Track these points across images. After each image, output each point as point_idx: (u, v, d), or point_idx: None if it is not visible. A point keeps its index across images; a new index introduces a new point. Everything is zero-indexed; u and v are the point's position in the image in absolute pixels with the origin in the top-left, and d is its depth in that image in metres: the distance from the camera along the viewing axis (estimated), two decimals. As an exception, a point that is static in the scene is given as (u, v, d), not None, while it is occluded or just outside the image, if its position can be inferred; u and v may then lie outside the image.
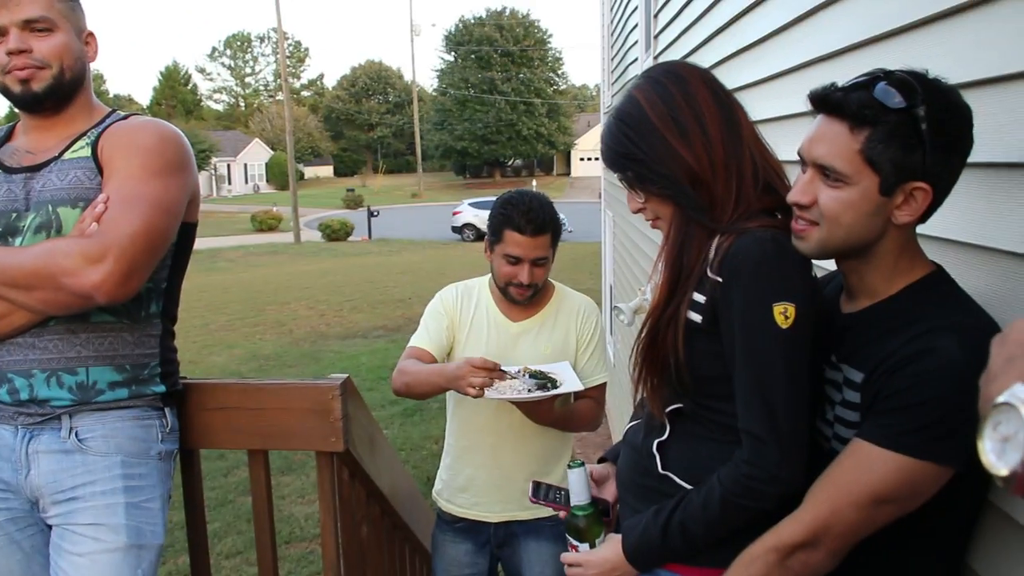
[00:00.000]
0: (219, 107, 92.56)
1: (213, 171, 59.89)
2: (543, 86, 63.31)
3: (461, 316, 2.52)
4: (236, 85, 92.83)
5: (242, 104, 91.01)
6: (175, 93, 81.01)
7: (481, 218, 30.29)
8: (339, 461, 1.93)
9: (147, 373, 1.84)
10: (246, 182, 67.10)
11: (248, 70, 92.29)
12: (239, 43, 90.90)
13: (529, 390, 2.14)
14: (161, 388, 1.86)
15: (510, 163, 67.93)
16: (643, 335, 1.47)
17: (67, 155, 1.79)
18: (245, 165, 67.00)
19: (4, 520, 1.80)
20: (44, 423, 1.76)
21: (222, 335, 11.45)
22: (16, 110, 1.86)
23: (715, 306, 1.35)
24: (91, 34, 1.89)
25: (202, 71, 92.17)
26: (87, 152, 1.78)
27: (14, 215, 1.76)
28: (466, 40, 63.51)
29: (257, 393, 1.92)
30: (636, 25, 6.19)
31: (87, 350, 1.76)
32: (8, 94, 1.79)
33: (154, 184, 1.72)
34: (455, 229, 30.72)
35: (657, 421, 1.50)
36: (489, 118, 60.99)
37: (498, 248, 2.38)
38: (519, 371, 2.22)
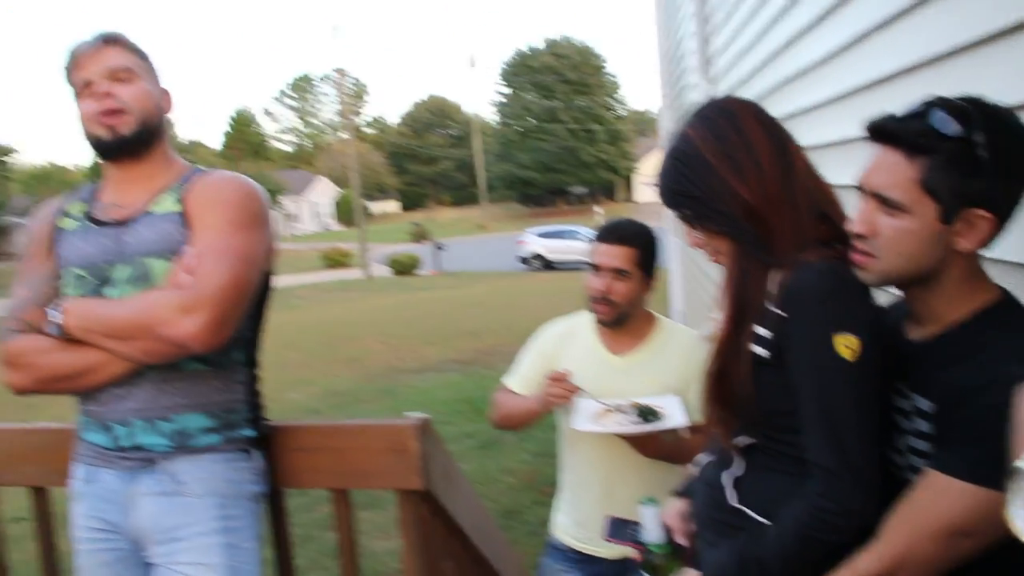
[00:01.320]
0: (286, 148, 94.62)
1: (282, 210, 61.08)
2: (602, 112, 63.38)
3: (560, 353, 2.54)
4: (302, 125, 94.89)
5: (308, 144, 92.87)
6: (244, 136, 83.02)
7: (547, 247, 30.32)
8: (419, 499, 1.97)
9: (236, 418, 1.92)
10: (314, 220, 68.30)
11: (313, 110, 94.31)
12: (304, 85, 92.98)
13: (634, 423, 2.16)
14: (250, 432, 1.94)
15: (573, 191, 67.98)
16: (710, 369, 1.48)
17: (155, 209, 1.89)
18: (313, 203, 68.23)
19: (112, 560, 1.90)
20: (144, 467, 1.85)
21: (299, 372, 11.62)
22: (101, 162, 1.96)
23: (780, 340, 1.36)
24: (166, 91, 2.00)
25: (269, 114, 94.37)
26: (175, 207, 1.87)
27: (107, 267, 1.85)
28: (524, 70, 63.95)
29: (338, 434, 1.98)
30: (691, 50, 6.21)
31: (180, 398, 1.84)
32: (98, 141, 1.89)
33: (239, 237, 1.81)
34: (522, 260, 30.78)
35: (729, 454, 1.52)
36: (551, 147, 61.23)
37: (590, 267, 2.44)
38: (625, 404, 2.24)
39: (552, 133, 61.34)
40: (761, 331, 1.39)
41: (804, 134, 2.53)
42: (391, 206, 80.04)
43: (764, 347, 1.39)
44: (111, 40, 1.89)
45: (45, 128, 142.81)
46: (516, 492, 6.04)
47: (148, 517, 1.85)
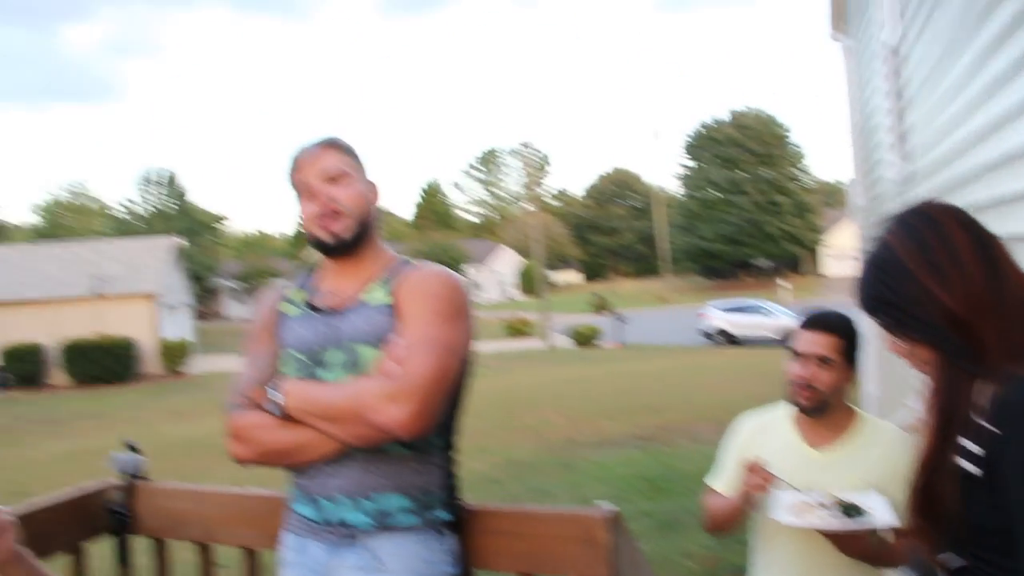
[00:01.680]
0: (473, 218, 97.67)
1: (467, 279, 62.78)
2: (788, 184, 62.00)
3: (756, 446, 2.51)
4: (488, 197, 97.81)
5: (494, 214, 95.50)
6: (433, 207, 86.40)
7: (731, 321, 29.70)
8: (606, 588, 1.98)
9: (433, 500, 1.99)
10: (498, 289, 69.79)
11: (499, 183, 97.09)
12: (491, 158, 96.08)
13: (837, 519, 2.10)
14: (446, 515, 2.01)
15: (758, 264, 66.44)
16: (914, 483, 1.44)
17: (367, 298, 2.02)
18: (497, 272, 69.81)
19: None
20: (347, 542, 1.96)
21: (480, 441, 11.82)
22: (320, 255, 2.12)
23: (992, 457, 1.30)
24: (374, 185, 2.15)
25: (457, 185, 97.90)
26: (385, 298, 2.01)
27: (322, 351, 2.00)
28: (708, 142, 63.63)
29: (529, 520, 2.02)
30: (884, 125, 6.03)
31: (382, 479, 1.94)
32: (318, 242, 2.06)
33: (444, 329, 1.91)
34: (704, 333, 30.28)
35: (934, 572, 1.46)
36: (735, 218, 60.35)
37: (791, 353, 2.42)
38: (826, 499, 2.18)
39: (736, 205, 60.52)
40: (970, 446, 1.34)
41: (1012, 223, 2.42)
42: (573, 276, 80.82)
43: (973, 463, 1.32)
44: (328, 145, 2.07)
45: (253, 198, 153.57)
46: (696, 577, 5.87)
47: None
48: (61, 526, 2.41)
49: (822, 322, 2.39)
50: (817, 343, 2.36)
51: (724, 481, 2.58)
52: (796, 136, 77.58)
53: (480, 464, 10.15)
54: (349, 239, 2.03)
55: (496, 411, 14.65)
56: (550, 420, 13.66)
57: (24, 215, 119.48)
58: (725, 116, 65.29)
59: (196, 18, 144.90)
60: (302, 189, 2.06)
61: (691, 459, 9.41)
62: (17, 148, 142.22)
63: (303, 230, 2.11)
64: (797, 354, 2.40)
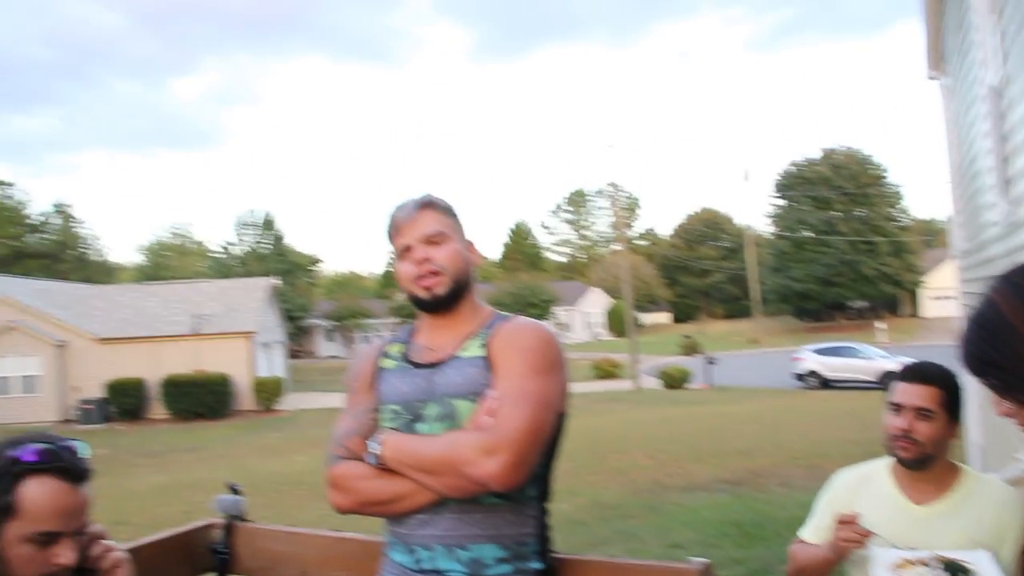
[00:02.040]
0: (560, 259, 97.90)
1: (555, 320, 62.81)
2: (884, 223, 60.40)
3: (854, 500, 2.45)
4: (576, 238, 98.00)
5: (582, 255, 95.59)
6: (521, 248, 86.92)
7: (825, 364, 29.00)
8: (698, 642, 1.96)
9: (527, 551, 2.01)
10: (586, 329, 69.64)
11: (586, 223, 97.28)
12: (578, 199, 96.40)
13: None
14: (538, 565, 2.02)
15: (853, 305, 64.78)
16: None
17: (462, 353, 2.07)
18: (585, 313, 69.70)
19: None
20: None
21: (567, 482, 11.74)
22: (419, 312, 2.19)
23: None
24: (471, 243, 2.22)
25: (545, 227, 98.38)
26: (480, 352, 2.05)
27: (419, 404, 2.05)
28: (799, 182, 62.59)
29: (621, 571, 2.02)
30: (988, 167, 5.87)
31: (477, 529, 1.97)
32: (416, 300, 2.14)
33: (538, 382, 1.94)
34: (797, 376, 29.64)
35: None
36: (829, 259, 59.03)
37: (889, 406, 2.38)
38: (929, 557, 2.13)
39: (830, 245, 59.21)
40: None
41: None
42: (662, 318, 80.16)
43: None
44: (425, 205, 2.14)
45: (344, 239, 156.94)
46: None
47: None
48: (166, 563, 2.51)
49: (922, 374, 2.34)
50: (917, 395, 2.31)
51: (816, 533, 2.51)
52: (893, 175, 75.24)
53: (567, 506, 10.08)
54: (445, 296, 2.10)
55: (583, 453, 14.55)
56: (638, 462, 13.51)
57: (129, 255, 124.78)
58: (816, 155, 64.18)
59: (294, 67, 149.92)
60: (401, 249, 2.13)
61: (783, 505, 9.20)
62: (125, 192, 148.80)
63: (401, 288, 2.18)
64: (896, 406, 2.34)
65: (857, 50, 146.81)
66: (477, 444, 1.85)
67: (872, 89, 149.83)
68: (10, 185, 67.01)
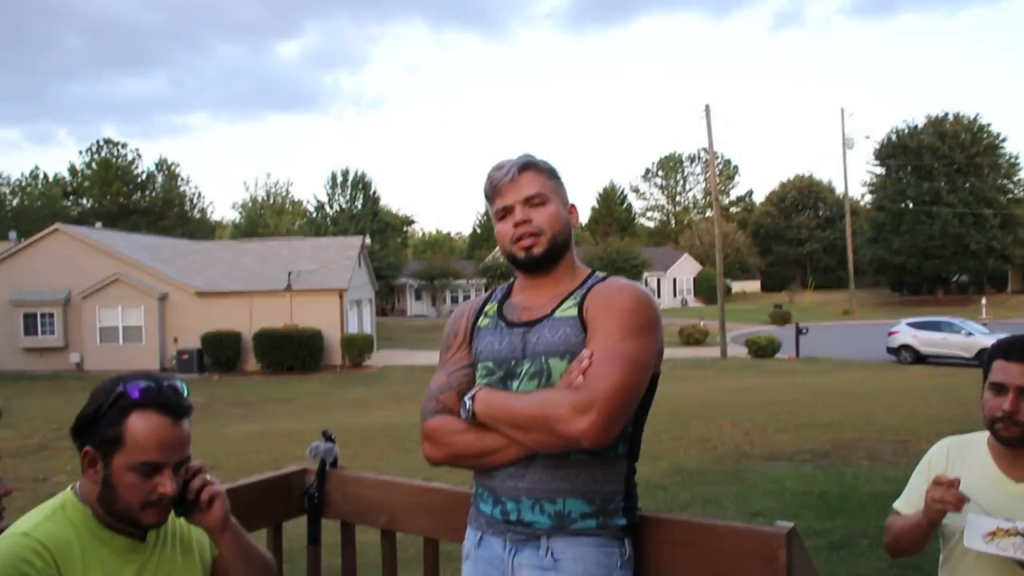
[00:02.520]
0: (651, 224, 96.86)
1: (644, 285, 62.33)
2: (995, 195, 57.60)
3: (950, 473, 2.41)
4: (667, 203, 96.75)
5: (672, 221, 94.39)
6: (611, 212, 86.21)
7: (920, 339, 28.15)
8: (780, 607, 1.96)
9: (612, 507, 2.04)
10: (674, 295, 69.02)
11: (679, 189, 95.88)
12: (671, 164, 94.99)
13: None
14: (623, 521, 2.05)
15: (954, 279, 62.39)
16: None
17: (557, 313, 2.10)
18: (674, 279, 69.05)
19: None
20: (527, 541, 2.04)
21: (648, 446, 11.63)
22: (516, 273, 2.23)
23: None
24: (573, 206, 2.24)
25: (636, 191, 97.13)
26: (574, 312, 2.07)
27: (513, 362, 2.09)
28: (901, 151, 60.20)
29: (707, 532, 2.02)
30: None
31: (564, 484, 2.01)
32: (514, 260, 2.16)
33: (631, 342, 1.95)
34: (891, 350, 28.87)
35: None
36: (931, 231, 56.80)
37: (987, 382, 2.34)
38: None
39: (932, 216, 56.91)
40: None
41: None
42: (752, 286, 78.77)
43: None
44: (525, 167, 2.15)
45: (436, 200, 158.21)
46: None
47: None
48: (262, 504, 2.62)
49: (1022, 351, 2.27)
50: (1018, 374, 2.25)
51: (910, 503, 2.49)
52: (1011, 144, 71.04)
53: (648, 470, 10.07)
54: (542, 257, 2.12)
55: (667, 418, 14.49)
56: (721, 429, 13.39)
57: (228, 213, 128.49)
58: (921, 122, 61.50)
59: (394, 32, 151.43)
60: (500, 210, 2.16)
61: (868, 479, 9.04)
62: (227, 152, 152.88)
63: (500, 248, 2.22)
64: (998, 385, 2.29)
65: (982, 15, 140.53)
66: (569, 402, 1.87)
67: (990, 57, 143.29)
68: (121, 145, 69.47)
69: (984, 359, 2.41)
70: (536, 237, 2.10)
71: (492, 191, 2.17)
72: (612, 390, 1.87)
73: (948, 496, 2.18)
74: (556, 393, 1.93)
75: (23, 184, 70.10)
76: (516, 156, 2.20)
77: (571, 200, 2.24)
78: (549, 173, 2.18)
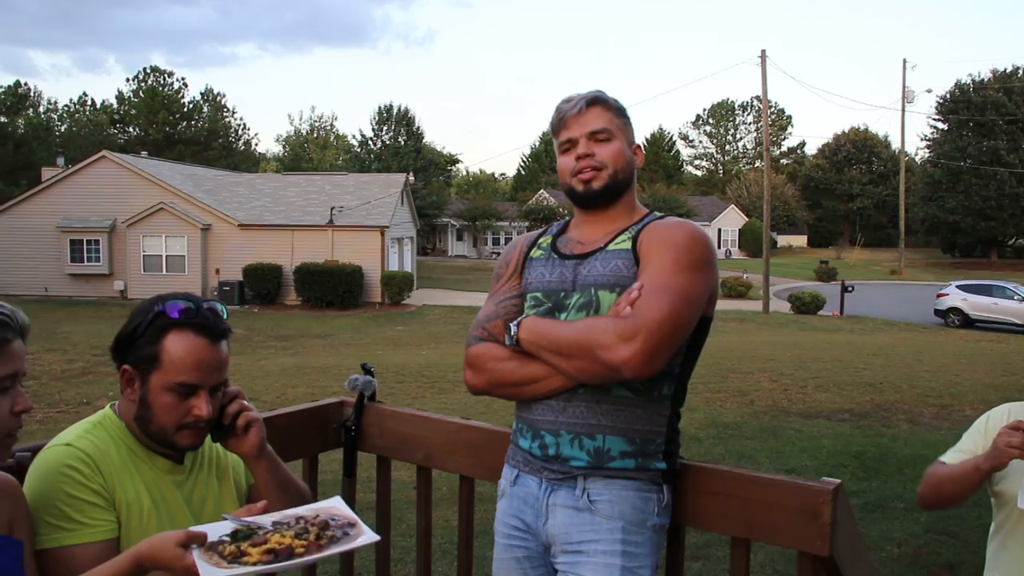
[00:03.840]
0: (699, 173, 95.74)
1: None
2: (1062, 155, 55.85)
3: None
4: (716, 152, 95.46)
5: (720, 171, 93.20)
6: (659, 158, 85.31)
7: (970, 303, 27.65)
8: (820, 565, 1.92)
9: (652, 448, 2.01)
10: (719, 247, 68.43)
11: (729, 138, 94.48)
12: (722, 112, 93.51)
13: None
14: (662, 465, 2.02)
15: (1011, 242, 60.93)
16: None
17: (611, 246, 2.06)
18: (719, 230, 68.38)
19: (522, 557, 2.09)
20: (564, 481, 2.01)
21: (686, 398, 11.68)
22: (574, 207, 2.19)
23: None
24: (639, 146, 2.19)
25: (685, 138, 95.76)
26: (627, 245, 2.04)
27: (563, 294, 2.06)
28: (964, 105, 58.48)
29: (750, 484, 1.98)
30: None
31: (606, 419, 1.98)
32: (572, 193, 2.14)
33: (682, 277, 1.91)
34: (938, 313, 28.41)
35: None
36: (989, 191, 55.36)
37: None
38: None
39: (991, 176, 55.33)
40: None
41: None
42: (799, 240, 77.73)
43: None
44: (594, 101, 2.11)
45: (479, 140, 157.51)
46: (900, 566, 5.56)
47: (560, 526, 2.01)
48: (301, 433, 2.62)
49: None
50: None
51: (956, 455, 2.41)
52: None
53: (683, 421, 9.86)
54: (600, 191, 2.08)
55: (705, 370, 14.41)
56: (759, 384, 13.31)
57: (272, 146, 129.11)
58: (987, 75, 59.47)
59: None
60: (564, 143, 2.12)
61: (908, 442, 8.94)
62: (274, 84, 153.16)
63: (561, 181, 2.18)
64: None
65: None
66: (614, 329, 1.84)
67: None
68: (168, 74, 69.75)
69: None
70: (597, 171, 2.07)
71: (558, 123, 2.14)
72: (659, 321, 1.83)
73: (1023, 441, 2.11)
74: (602, 320, 1.91)
75: (71, 110, 70.86)
76: (588, 91, 2.16)
77: (637, 141, 2.20)
78: (618, 111, 2.15)
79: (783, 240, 75.31)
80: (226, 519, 1.59)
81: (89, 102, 71.62)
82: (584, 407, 1.99)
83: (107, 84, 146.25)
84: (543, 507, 2.04)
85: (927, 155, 64.04)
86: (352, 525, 1.63)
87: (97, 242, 32.49)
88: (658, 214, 2.15)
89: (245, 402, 1.91)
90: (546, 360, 1.97)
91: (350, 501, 2.70)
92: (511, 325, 2.03)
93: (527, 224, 56.64)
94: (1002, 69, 59.08)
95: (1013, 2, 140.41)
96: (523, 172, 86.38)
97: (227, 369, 1.86)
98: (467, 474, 2.51)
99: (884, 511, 6.75)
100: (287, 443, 2.40)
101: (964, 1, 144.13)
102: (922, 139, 64.71)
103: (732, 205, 71.51)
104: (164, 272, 32.01)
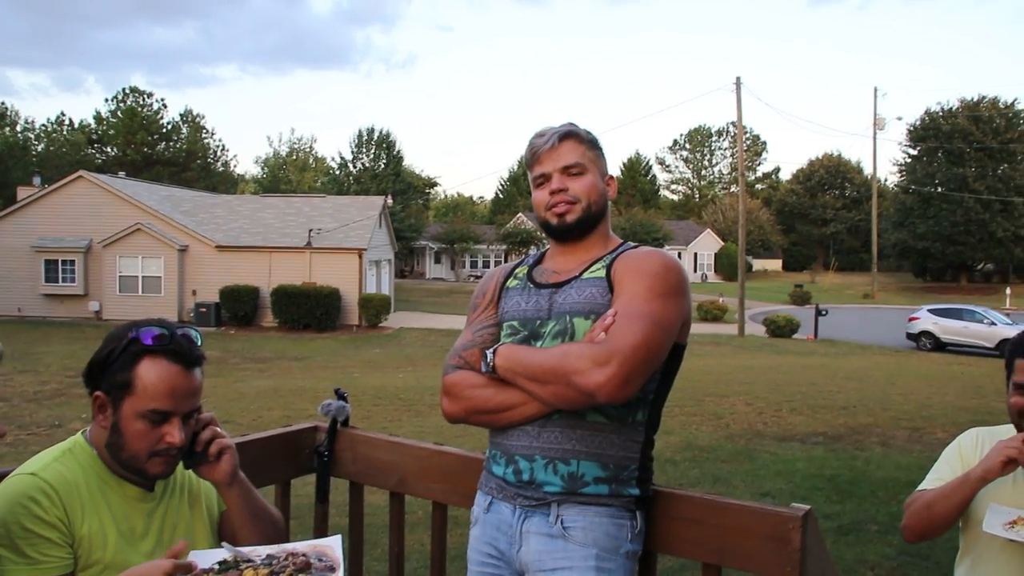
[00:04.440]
0: (675, 197, 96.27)
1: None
2: (1025, 183, 56.69)
3: (978, 460, 2.36)
4: (692, 177, 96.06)
5: (696, 195, 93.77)
6: (636, 183, 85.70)
7: (941, 326, 27.93)
8: (791, 591, 1.94)
9: (626, 475, 2.02)
10: (695, 271, 68.75)
11: (705, 163, 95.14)
12: (699, 137, 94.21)
13: None
14: (636, 491, 2.03)
15: (979, 267, 61.71)
16: None
17: (585, 274, 2.09)
18: (696, 254, 68.76)
19: None
20: (537, 507, 2.02)
21: (661, 420, 11.68)
22: (548, 239, 2.23)
23: None
24: (612, 177, 2.23)
25: (661, 163, 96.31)
26: (602, 273, 2.07)
27: (538, 322, 2.09)
28: (933, 133, 59.25)
29: (720, 510, 1.99)
30: None
31: (580, 445, 2.00)
32: (547, 226, 2.17)
33: (656, 304, 1.94)
34: (910, 336, 28.67)
35: None
36: (957, 217, 56.09)
37: (1011, 381, 2.30)
38: None
39: (958, 202, 56.09)
40: None
41: None
42: (773, 264, 78.28)
43: None
44: (566, 136, 2.14)
45: (460, 164, 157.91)
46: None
47: (533, 553, 2.01)
48: (272, 459, 2.61)
49: None
50: None
51: (935, 481, 2.44)
52: None
53: (659, 444, 9.92)
54: (574, 224, 2.12)
55: (680, 393, 14.45)
56: (735, 407, 13.36)
57: (251, 167, 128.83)
58: (955, 104, 60.28)
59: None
60: (539, 177, 2.16)
61: (881, 464, 9.00)
62: (254, 105, 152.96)
63: (536, 214, 2.21)
64: (1021, 386, 2.25)
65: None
66: (589, 354, 1.87)
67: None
68: (147, 95, 69.42)
69: (1006, 353, 2.35)
70: (571, 205, 2.10)
71: (532, 158, 2.17)
72: (633, 346, 1.86)
73: (1021, 448, 2.14)
74: (576, 346, 1.94)
75: (48, 130, 70.36)
76: (558, 124, 2.20)
77: (610, 173, 2.24)
78: (590, 143, 2.18)
79: (758, 264, 75.79)
80: (223, 546, 1.61)
81: (67, 122, 71.10)
82: (559, 432, 2.00)
83: (86, 104, 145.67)
84: (517, 534, 2.04)
85: (898, 181, 64.73)
86: (332, 570, 1.67)
87: (73, 262, 32.16)
88: (632, 244, 2.19)
89: (218, 428, 1.91)
90: (522, 386, 1.99)
91: (323, 527, 2.70)
92: (487, 352, 2.05)
93: (505, 247, 56.73)
94: (970, 98, 60.06)
95: (979, 33, 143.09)
96: (501, 195, 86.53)
97: (200, 396, 1.86)
98: (440, 500, 2.51)
99: (858, 534, 6.79)
100: (260, 469, 2.39)
101: (933, 31, 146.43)
102: (894, 165, 65.47)
103: (708, 229, 71.98)
104: (140, 293, 31.71)
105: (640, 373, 1.88)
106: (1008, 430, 2.41)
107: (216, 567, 1.56)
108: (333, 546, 1.76)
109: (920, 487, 2.49)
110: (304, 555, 1.69)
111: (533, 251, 2.39)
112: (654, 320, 1.91)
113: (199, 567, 1.53)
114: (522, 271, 2.25)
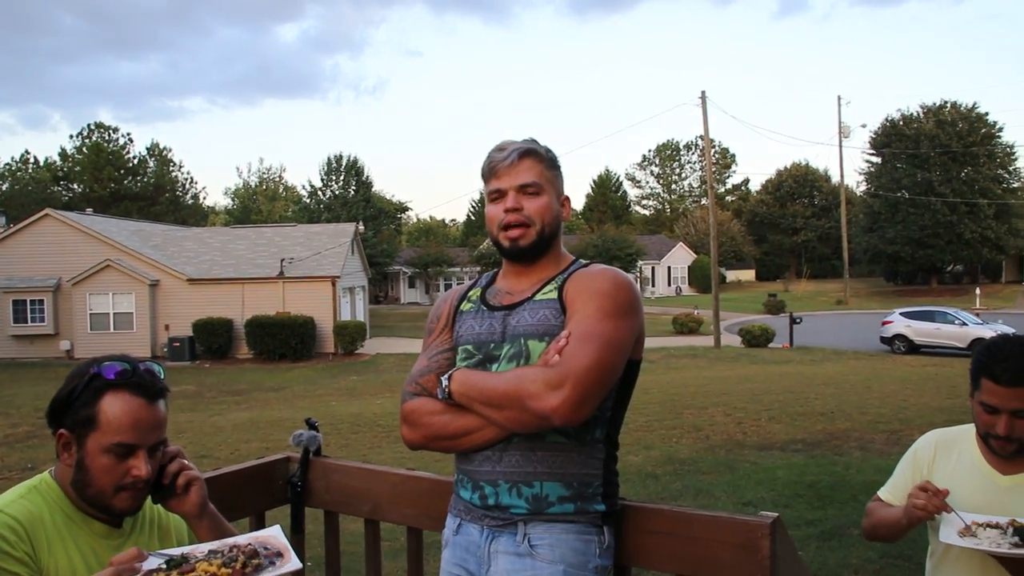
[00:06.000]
0: (646, 212, 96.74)
1: (639, 274, 62.26)
2: (990, 185, 57.35)
3: (936, 467, 2.40)
4: (663, 191, 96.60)
5: (667, 209, 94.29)
6: (607, 199, 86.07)
7: (914, 329, 28.21)
8: (764, 600, 1.95)
9: (591, 492, 2.03)
10: (669, 284, 69.05)
11: (675, 177, 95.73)
12: (667, 152, 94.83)
13: (1012, 544, 2.03)
14: (602, 507, 2.04)
15: (948, 269, 62.39)
16: None
17: (538, 296, 2.10)
18: (669, 268, 69.06)
19: None
20: (504, 527, 2.03)
21: (640, 435, 11.74)
22: (502, 258, 2.22)
23: None
24: (567, 198, 2.23)
25: (632, 178, 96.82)
26: (554, 295, 2.07)
27: (493, 345, 2.09)
28: (897, 139, 59.96)
29: (690, 522, 2.00)
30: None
31: (542, 466, 2.00)
32: (499, 246, 2.17)
33: (608, 324, 1.95)
34: (884, 340, 28.93)
35: None
36: (925, 220, 56.71)
37: (976, 395, 2.29)
38: (1003, 521, 2.10)
39: (925, 206, 56.79)
40: None
41: None
42: (746, 275, 78.78)
43: None
44: (526, 154, 2.13)
45: (430, 188, 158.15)
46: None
47: (502, 572, 2.01)
48: (245, 492, 2.60)
49: (1016, 374, 2.18)
50: (1015, 398, 2.18)
51: (894, 493, 2.49)
52: (1009, 133, 69.96)
53: (640, 459, 10.10)
54: (527, 248, 2.12)
55: (659, 407, 14.52)
56: (714, 419, 13.41)
57: (222, 199, 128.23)
58: (917, 111, 61.10)
59: (395, 14, 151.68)
60: (494, 192, 2.15)
61: (860, 469, 9.08)
62: (222, 137, 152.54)
63: (488, 230, 2.21)
64: (987, 406, 2.24)
65: (984, 4, 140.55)
66: (543, 378, 1.87)
67: (990, 45, 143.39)
68: (113, 130, 69.03)
69: (971, 365, 2.32)
70: (525, 228, 2.10)
71: (489, 172, 2.16)
72: (587, 368, 1.86)
73: (931, 505, 2.18)
74: (530, 370, 1.93)
75: (13, 169, 69.76)
76: (520, 139, 2.19)
77: (566, 191, 2.23)
78: (549, 163, 2.17)
79: (731, 275, 76.24)
80: (154, 554, 1.62)
81: (32, 160, 70.58)
82: (519, 455, 2.01)
83: (51, 141, 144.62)
84: (485, 554, 2.05)
85: (865, 188, 65.39)
86: (280, 555, 1.69)
87: (41, 302, 31.82)
88: (583, 261, 2.19)
89: (185, 461, 1.90)
90: (478, 411, 1.99)
91: (299, 558, 2.67)
92: (442, 378, 2.05)
93: (479, 268, 56.70)
94: (931, 103, 60.84)
95: (940, 40, 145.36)
96: (473, 217, 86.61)
97: (165, 429, 1.85)
98: (414, 525, 2.51)
99: (840, 539, 6.82)
100: (233, 501, 2.38)
101: (895, 39, 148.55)
102: (859, 173, 66.17)
103: (680, 243, 72.34)
104: (112, 330, 31.43)
105: (594, 395, 1.89)
106: (967, 430, 2.43)
107: (164, 566, 1.56)
108: (274, 535, 1.77)
109: (880, 492, 2.54)
110: (249, 544, 1.71)
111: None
112: (607, 340, 1.92)
113: (144, 568, 1.54)
114: (475, 293, 2.25)
